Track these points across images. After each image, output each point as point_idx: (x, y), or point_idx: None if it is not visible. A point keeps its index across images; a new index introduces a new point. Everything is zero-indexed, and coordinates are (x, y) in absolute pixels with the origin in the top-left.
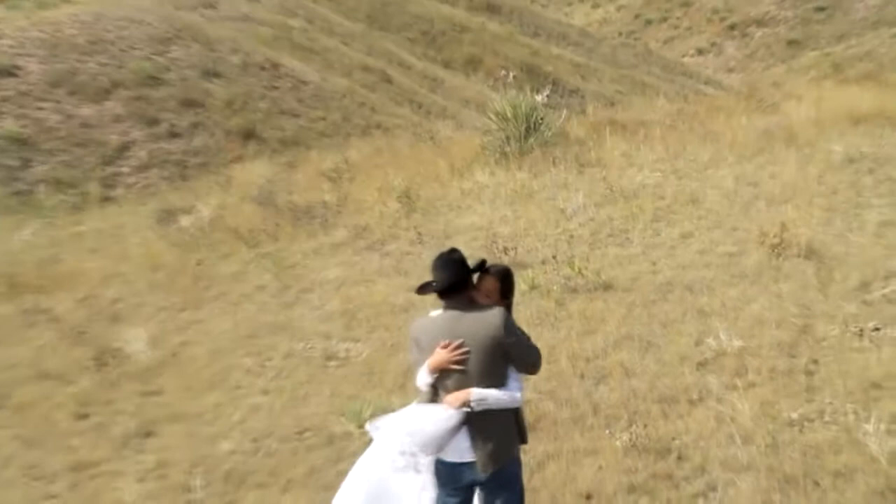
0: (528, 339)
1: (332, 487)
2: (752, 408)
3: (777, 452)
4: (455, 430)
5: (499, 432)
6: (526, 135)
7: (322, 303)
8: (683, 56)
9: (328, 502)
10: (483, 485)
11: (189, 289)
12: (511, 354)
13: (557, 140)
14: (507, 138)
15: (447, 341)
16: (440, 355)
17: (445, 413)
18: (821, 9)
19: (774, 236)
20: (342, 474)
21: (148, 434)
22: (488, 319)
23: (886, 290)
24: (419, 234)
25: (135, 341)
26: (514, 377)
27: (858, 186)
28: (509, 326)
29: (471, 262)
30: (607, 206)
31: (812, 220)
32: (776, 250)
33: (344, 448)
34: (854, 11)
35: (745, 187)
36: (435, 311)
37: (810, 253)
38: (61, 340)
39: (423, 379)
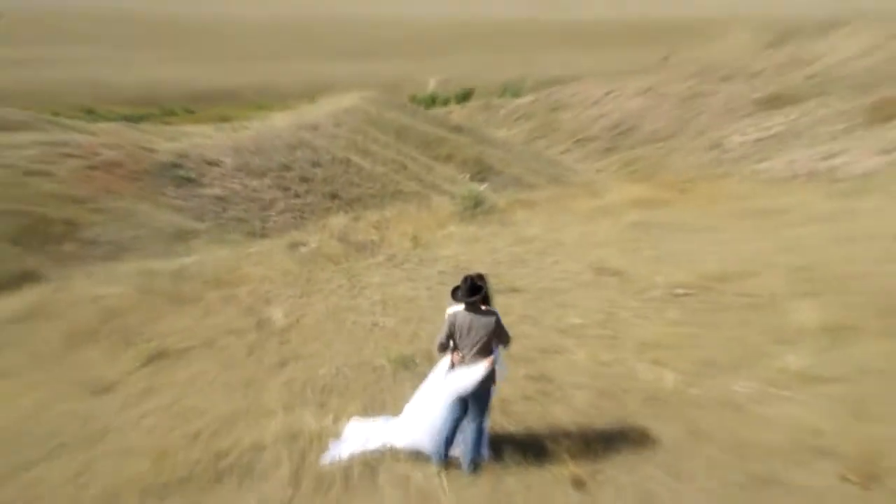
0: (506, 329)
1: (376, 395)
2: (586, 356)
3: (598, 378)
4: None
5: None
6: (474, 207)
7: (371, 295)
8: (554, 155)
9: (374, 405)
10: (471, 396)
11: (304, 286)
12: (499, 336)
13: (491, 210)
14: (465, 208)
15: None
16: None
17: (483, 369)
18: (621, 133)
19: (597, 263)
20: (383, 389)
21: (283, 365)
22: (489, 318)
23: (653, 294)
24: (420, 259)
25: (276, 314)
26: (496, 349)
27: (640, 238)
28: (498, 322)
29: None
30: (516, 247)
31: (616, 255)
32: (598, 271)
33: (382, 374)
34: (639, 133)
35: (584, 237)
36: (457, 307)
37: (615, 273)
38: (239, 313)
39: (444, 355)
